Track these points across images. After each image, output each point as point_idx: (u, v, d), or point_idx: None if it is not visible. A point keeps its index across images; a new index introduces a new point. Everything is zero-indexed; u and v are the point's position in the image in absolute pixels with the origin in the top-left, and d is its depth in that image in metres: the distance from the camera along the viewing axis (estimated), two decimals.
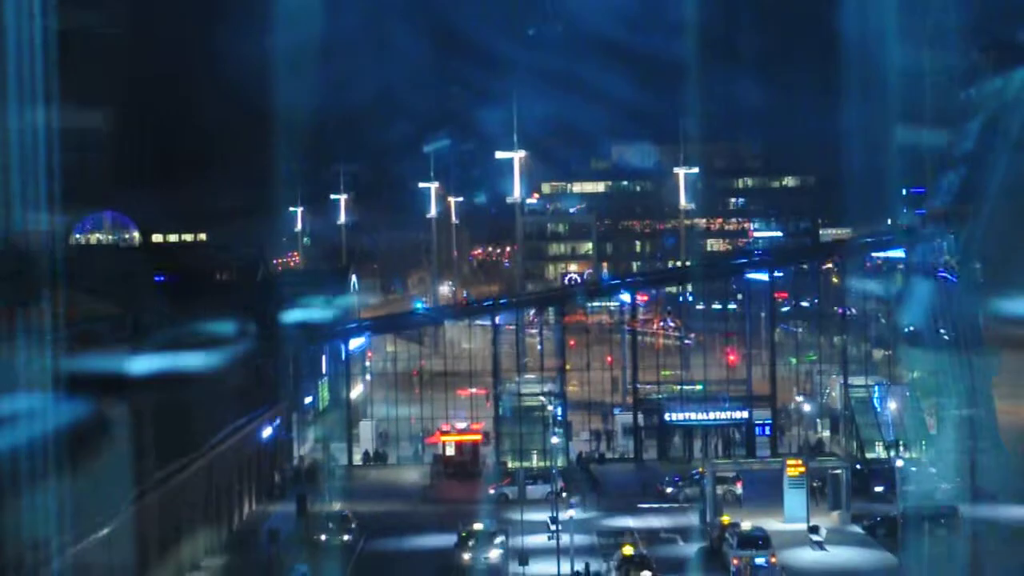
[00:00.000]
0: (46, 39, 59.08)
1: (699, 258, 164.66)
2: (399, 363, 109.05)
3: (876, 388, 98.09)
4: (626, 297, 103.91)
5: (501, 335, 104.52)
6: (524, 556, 63.10)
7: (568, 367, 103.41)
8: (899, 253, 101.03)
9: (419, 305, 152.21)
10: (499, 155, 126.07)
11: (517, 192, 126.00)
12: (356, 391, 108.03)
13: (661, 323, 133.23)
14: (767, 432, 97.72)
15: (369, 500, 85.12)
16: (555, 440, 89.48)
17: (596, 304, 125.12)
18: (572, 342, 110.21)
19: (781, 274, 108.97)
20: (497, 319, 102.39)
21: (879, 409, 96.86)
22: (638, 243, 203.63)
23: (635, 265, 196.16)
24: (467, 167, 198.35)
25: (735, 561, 65.52)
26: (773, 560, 65.04)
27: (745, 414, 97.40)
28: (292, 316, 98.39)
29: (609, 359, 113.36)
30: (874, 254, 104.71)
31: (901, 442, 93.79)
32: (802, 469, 77.13)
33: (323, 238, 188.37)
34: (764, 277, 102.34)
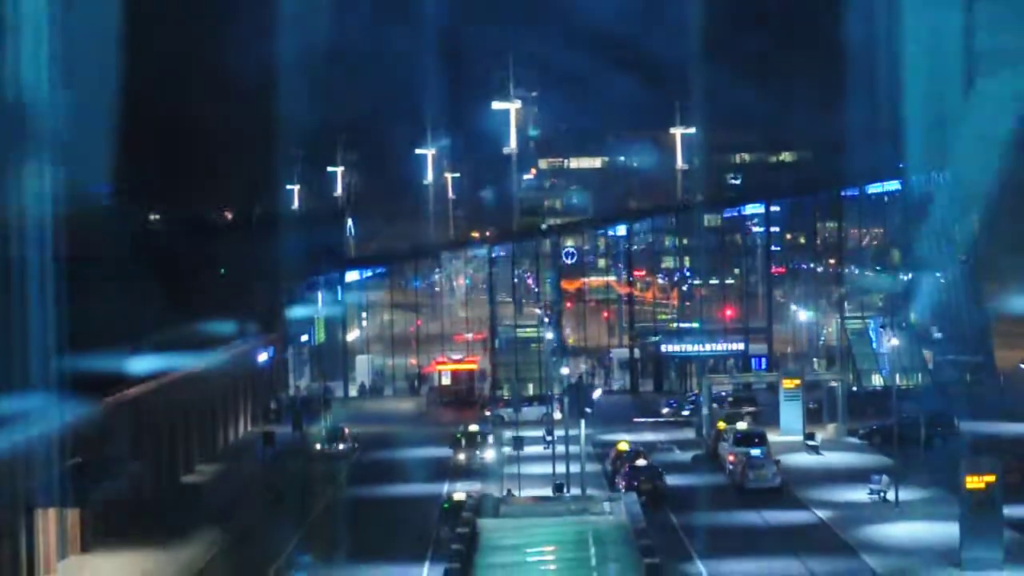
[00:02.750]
0: None
1: (697, 231, 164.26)
2: (395, 327, 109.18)
3: (872, 321, 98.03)
4: (622, 230, 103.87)
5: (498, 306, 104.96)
6: (519, 441, 62.99)
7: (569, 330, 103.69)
8: (895, 185, 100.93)
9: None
10: (496, 106, 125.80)
11: (513, 143, 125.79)
12: (353, 335, 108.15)
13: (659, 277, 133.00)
14: (764, 365, 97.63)
15: (365, 423, 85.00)
16: (549, 335, 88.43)
17: (594, 278, 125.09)
18: (570, 304, 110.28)
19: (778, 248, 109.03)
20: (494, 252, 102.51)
21: (875, 341, 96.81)
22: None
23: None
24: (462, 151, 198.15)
25: (731, 457, 65.34)
26: (770, 454, 64.98)
27: (741, 346, 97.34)
28: (288, 252, 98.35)
29: (606, 315, 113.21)
30: (870, 190, 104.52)
31: (898, 373, 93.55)
32: (798, 382, 77.10)
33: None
34: (760, 210, 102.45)
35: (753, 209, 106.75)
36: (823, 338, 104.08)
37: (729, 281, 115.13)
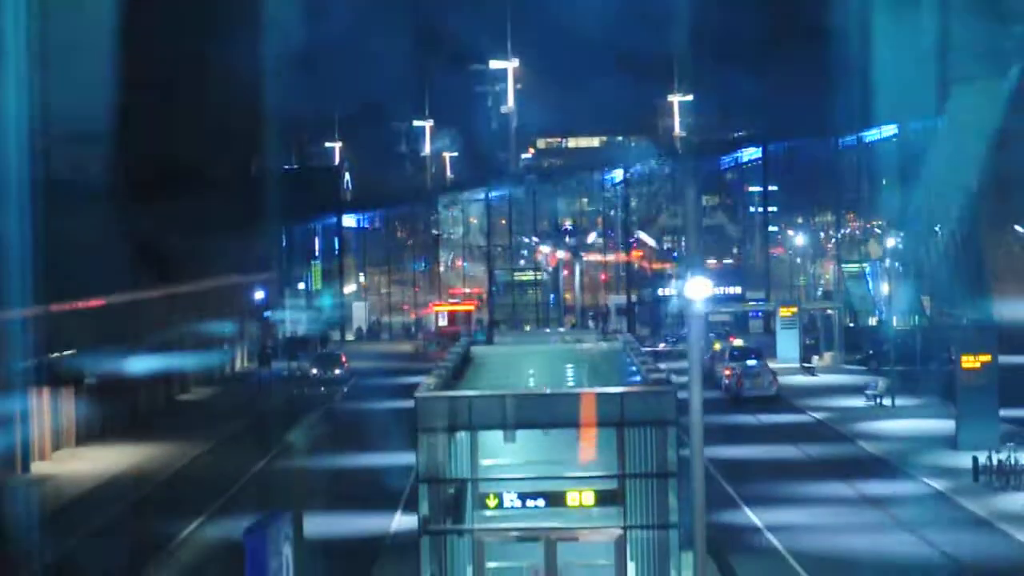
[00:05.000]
0: None
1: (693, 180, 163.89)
2: (393, 297, 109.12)
3: (869, 266, 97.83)
4: (618, 174, 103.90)
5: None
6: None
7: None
8: (892, 129, 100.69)
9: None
10: (493, 65, 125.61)
11: (511, 102, 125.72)
12: (350, 288, 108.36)
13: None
14: (760, 316, 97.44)
15: (362, 360, 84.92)
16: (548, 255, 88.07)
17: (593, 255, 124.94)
18: (567, 272, 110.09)
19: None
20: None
21: (871, 285, 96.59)
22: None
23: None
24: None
25: (727, 371, 65.17)
26: (766, 366, 64.91)
27: (739, 289, 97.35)
28: (283, 199, 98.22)
29: (604, 277, 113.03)
30: (867, 138, 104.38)
31: (895, 314, 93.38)
32: (794, 310, 77.10)
33: None
34: (757, 153, 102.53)
35: (752, 155, 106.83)
36: (821, 285, 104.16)
37: (728, 261, 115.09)
